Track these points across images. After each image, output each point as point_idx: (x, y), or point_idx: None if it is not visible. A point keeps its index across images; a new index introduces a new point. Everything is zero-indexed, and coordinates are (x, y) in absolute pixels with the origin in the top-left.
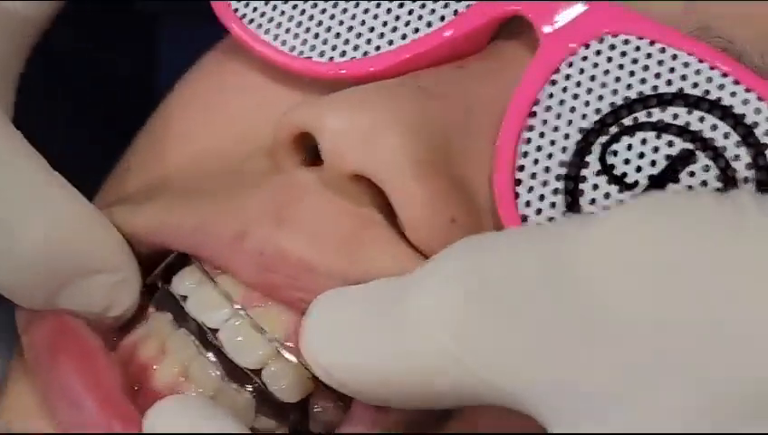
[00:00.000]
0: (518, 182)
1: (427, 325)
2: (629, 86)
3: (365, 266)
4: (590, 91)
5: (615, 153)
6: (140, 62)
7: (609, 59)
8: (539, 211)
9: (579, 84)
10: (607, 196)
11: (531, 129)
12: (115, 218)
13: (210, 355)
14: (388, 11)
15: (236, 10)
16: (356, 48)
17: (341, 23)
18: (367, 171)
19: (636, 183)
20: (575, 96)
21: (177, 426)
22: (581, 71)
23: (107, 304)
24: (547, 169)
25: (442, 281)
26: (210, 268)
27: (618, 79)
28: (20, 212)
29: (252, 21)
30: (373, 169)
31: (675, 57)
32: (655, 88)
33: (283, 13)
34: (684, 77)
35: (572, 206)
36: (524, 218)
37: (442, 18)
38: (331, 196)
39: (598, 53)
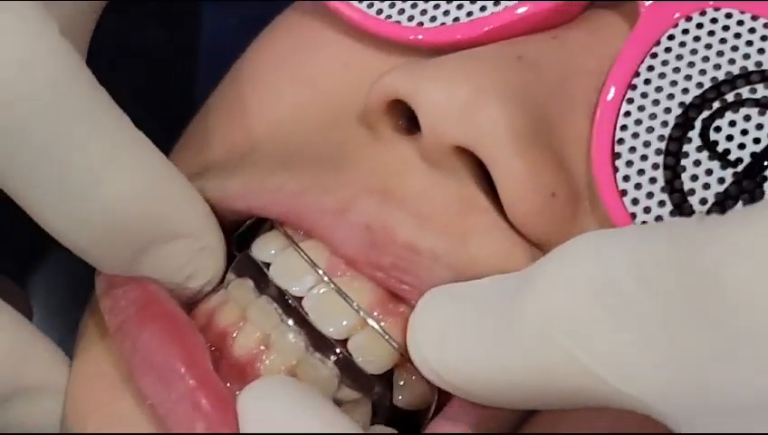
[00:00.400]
0: (617, 156)
1: (549, 328)
2: (732, 61)
3: (471, 253)
4: (691, 64)
5: (718, 129)
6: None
7: (712, 33)
8: (638, 186)
9: (680, 58)
10: (709, 172)
11: (630, 102)
12: (207, 186)
13: (293, 324)
14: None
15: None
16: (446, 13)
17: None
18: (468, 144)
19: (739, 160)
20: (676, 70)
21: (272, 412)
22: (683, 44)
23: (189, 273)
24: (647, 144)
25: (563, 279)
26: (294, 235)
27: (720, 53)
28: (100, 169)
29: None
30: (474, 142)
31: None
32: (758, 64)
33: None
34: None
35: (672, 181)
36: (623, 193)
37: None
38: (434, 173)
39: (699, 26)
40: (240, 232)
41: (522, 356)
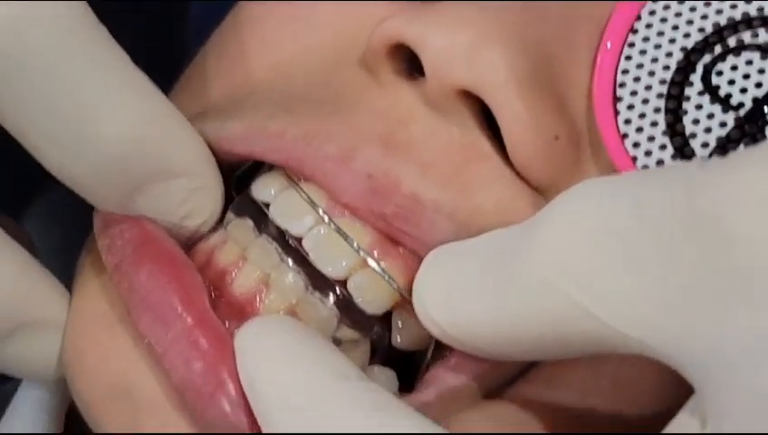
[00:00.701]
0: (618, 99)
1: (551, 275)
2: (734, 6)
3: (474, 204)
4: (693, 9)
5: (719, 73)
6: None
7: None
8: (639, 129)
9: (682, 2)
10: (710, 116)
11: (631, 45)
12: (206, 128)
13: (292, 264)
14: None
15: None
16: None
17: None
18: (472, 87)
19: (741, 105)
20: (678, 14)
21: (270, 349)
22: None
23: (185, 212)
24: (648, 87)
25: (565, 227)
26: (294, 175)
27: None
28: (97, 104)
29: None
30: (477, 84)
31: None
32: (760, 9)
33: None
34: None
35: (674, 125)
36: (625, 136)
37: None
38: (438, 118)
39: None
40: (239, 173)
41: (525, 306)
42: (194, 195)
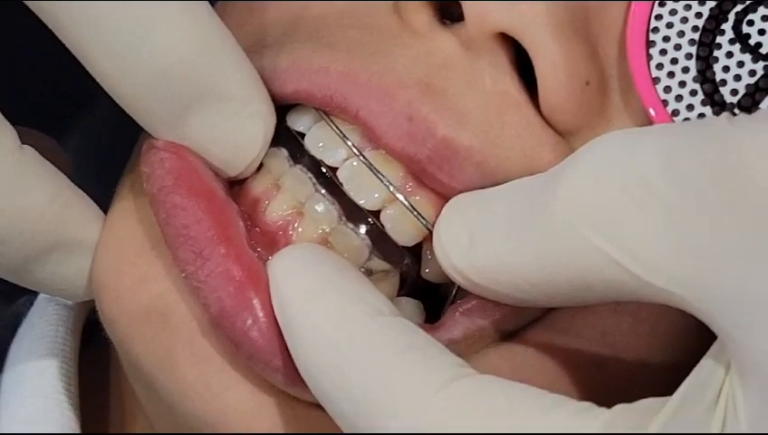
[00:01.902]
0: (651, 44)
1: (577, 221)
2: None
3: (502, 152)
4: None
5: (750, 23)
6: None
7: None
8: (671, 74)
9: None
10: (740, 65)
11: None
12: (264, 61)
13: (326, 193)
14: None
15: None
16: None
17: None
18: (510, 30)
19: None
20: None
21: (302, 278)
22: None
23: (238, 142)
24: (681, 34)
25: (592, 174)
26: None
27: None
28: (155, 17)
29: None
30: (516, 28)
31: None
32: None
33: None
34: None
35: (705, 71)
36: (656, 80)
37: None
38: (474, 64)
39: None
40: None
41: (549, 251)
42: (246, 122)
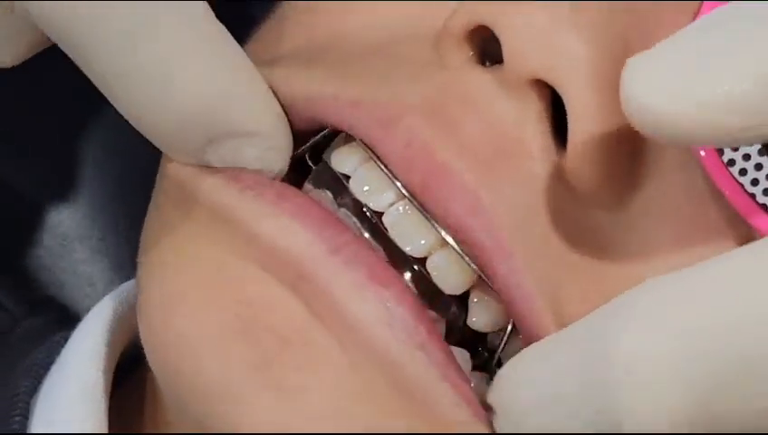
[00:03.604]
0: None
1: None
2: None
3: (499, 196)
4: None
5: None
6: None
7: None
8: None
9: None
10: None
11: None
12: (274, 80)
13: (369, 237)
14: None
15: None
16: None
17: None
18: (548, 75)
19: None
20: None
21: None
22: None
23: (257, 168)
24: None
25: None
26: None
27: None
28: (174, 60)
29: None
30: (556, 74)
31: None
32: None
33: None
34: None
35: None
36: (731, 163)
37: None
38: (499, 105)
39: None
40: (313, 142)
41: None
42: (266, 154)
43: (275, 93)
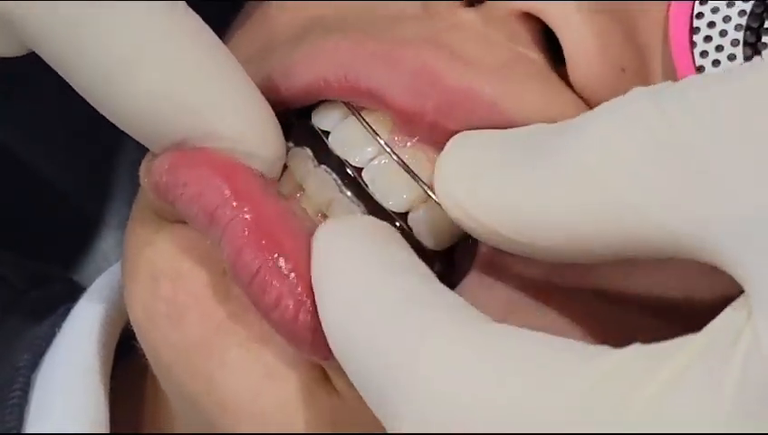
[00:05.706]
0: (695, 30)
1: (601, 169)
2: None
3: (514, 100)
4: None
5: None
6: None
7: None
8: (716, 62)
9: None
10: None
11: None
12: (274, 61)
13: (351, 195)
14: None
15: None
16: None
17: None
18: (536, 9)
19: None
20: None
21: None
22: None
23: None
24: (726, 19)
25: (620, 121)
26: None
27: None
28: (137, 52)
29: None
30: (545, 8)
31: None
32: None
33: None
34: None
35: (752, 58)
36: (700, 69)
37: None
38: (492, 30)
39: None
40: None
41: (565, 194)
42: (243, 158)
43: (271, 80)
